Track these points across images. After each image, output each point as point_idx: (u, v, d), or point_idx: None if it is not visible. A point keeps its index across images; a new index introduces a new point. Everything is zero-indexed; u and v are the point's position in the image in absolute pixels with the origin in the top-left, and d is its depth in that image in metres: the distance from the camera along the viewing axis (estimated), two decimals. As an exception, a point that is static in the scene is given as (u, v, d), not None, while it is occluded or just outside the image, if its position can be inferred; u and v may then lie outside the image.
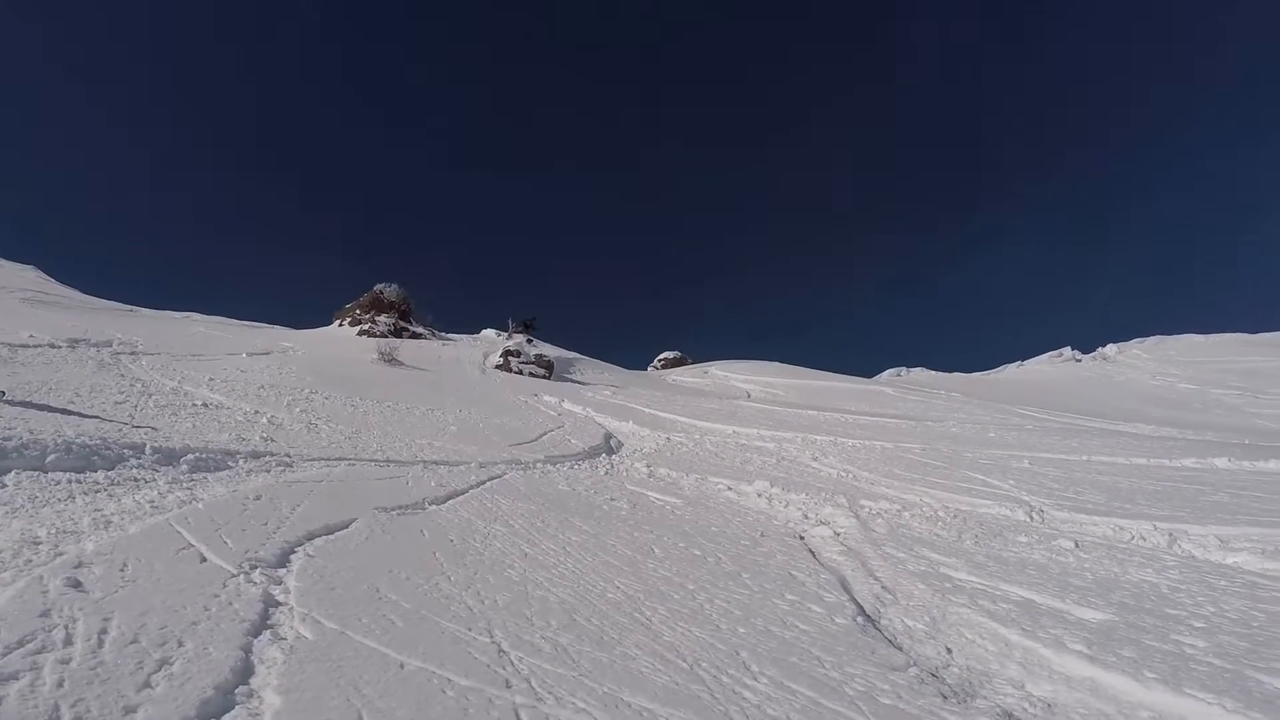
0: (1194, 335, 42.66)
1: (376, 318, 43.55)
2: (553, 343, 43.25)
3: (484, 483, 9.92)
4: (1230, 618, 5.99)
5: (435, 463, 10.96)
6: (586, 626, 4.87)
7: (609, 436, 17.40)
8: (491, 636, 4.42)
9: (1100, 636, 5.46)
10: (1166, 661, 4.99)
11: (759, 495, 10.86)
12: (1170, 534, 8.61)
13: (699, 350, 58.61)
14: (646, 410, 22.45)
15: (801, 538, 8.60)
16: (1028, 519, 9.56)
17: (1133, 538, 8.65)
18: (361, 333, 41.06)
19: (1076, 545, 8.24)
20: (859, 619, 5.78)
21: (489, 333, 46.84)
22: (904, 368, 48.35)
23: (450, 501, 8.47)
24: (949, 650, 5.34)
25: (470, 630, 4.47)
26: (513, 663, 4.06)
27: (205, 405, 13.27)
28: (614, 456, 14.57)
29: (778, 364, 40.36)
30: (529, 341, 39.73)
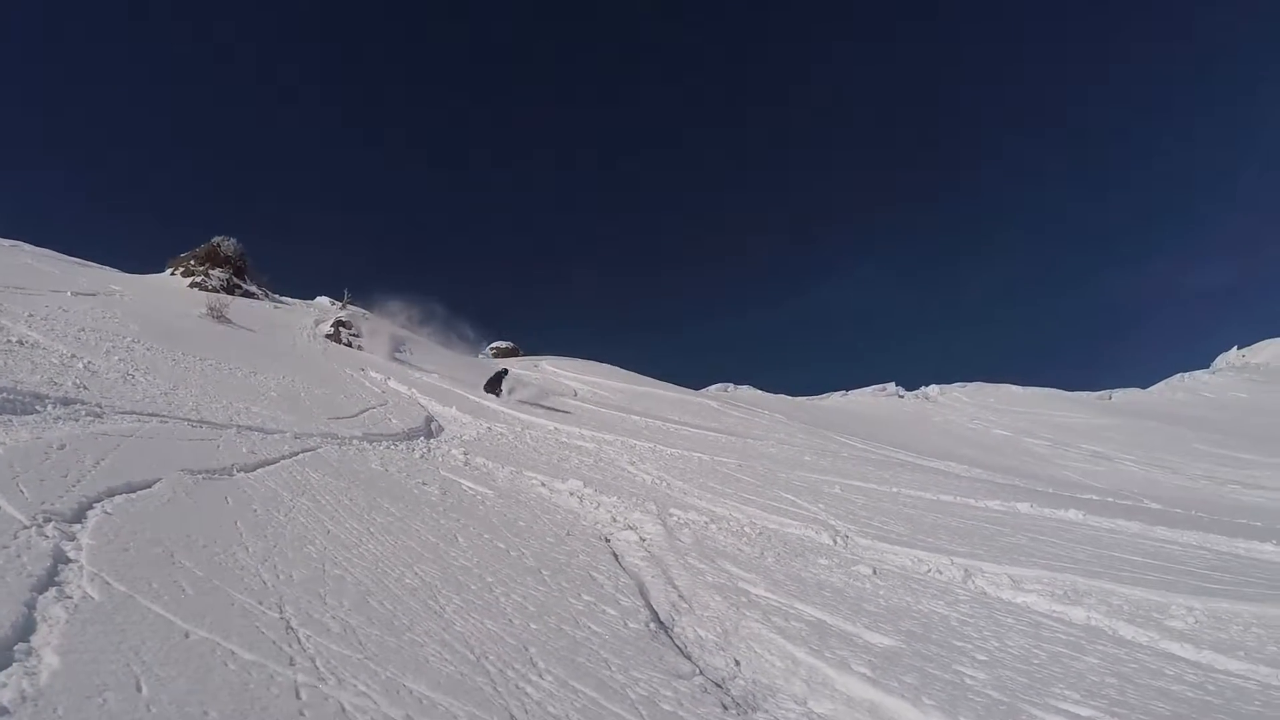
0: (1013, 385, 45.19)
1: (210, 271, 41.68)
2: (385, 318, 42.34)
3: (297, 454, 9.60)
4: (1013, 653, 6.30)
5: (250, 428, 10.52)
6: (379, 610, 4.81)
7: (430, 420, 17.12)
8: (282, 612, 4.33)
9: (885, 661, 5.66)
10: (946, 690, 5.21)
11: (571, 494, 10.84)
12: (966, 570, 9.01)
13: (534, 343, 58.47)
14: (471, 397, 22.22)
15: (607, 540, 8.63)
16: (831, 543, 9.84)
17: (930, 570, 9.01)
18: (193, 285, 39.26)
19: (874, 572, 8.53)
20: (652, 625, 5.83)
21: (323, 300, 45.55)
22: (731, 384, 49.49)
23: (259, 470, 8.17)
24: (737, 663, 5.45)
25: (261, 604, 4.37)
26: (300, 640, 3.99)
27: (20, 343, 12.53)
28: (433, 440, 14.32)
29: (609, 366, 40.64)
30: (364, 316, 38.82)
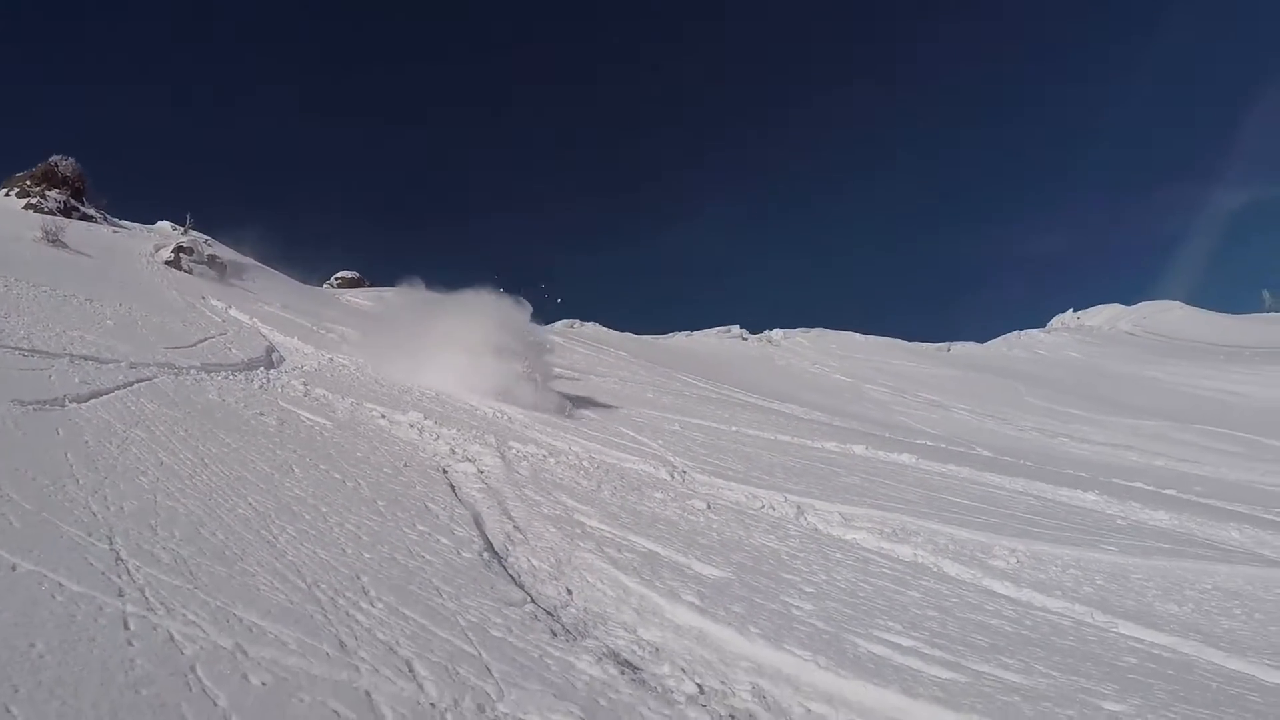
0: (855, 333, 46.67)
1: (47, 192, 39.47)
2: (228, 244, 40.74)
3: (132, 384, 9.29)
4: (840, 587, 6.60)
5: (84, 358, 10.10)
6: (211, 540, 4.77)
7: (271, 350, 16.65)
8: (111, 544, 4.29)
9: (715, 592, 5.85)
10: (772, 620, 5.42)
11: (411, 426, 10.74)
12: (799, 507, 9.36)
13: (384, 275, 57.15)
14: (314, 328, 21.70)
15: (445, 472, 8.61)
16: (669, 478, 10.06)
17: (764, 506, 9.32)
18: (28, 207, 37.22)
19: (709, 507, 8.76)
20: (485, 555, 5.87)
21: (164, 225, 43.41)
22: (578, 320, 49.59)
23: (93, 401, 7.92)
24: (569, 591, 5.54)
25: (90, 536, 4.33)
26: (129, 571, 3.97)
27: None
28: (273, 371, 13.93)
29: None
30: (206, 242, 37.28)
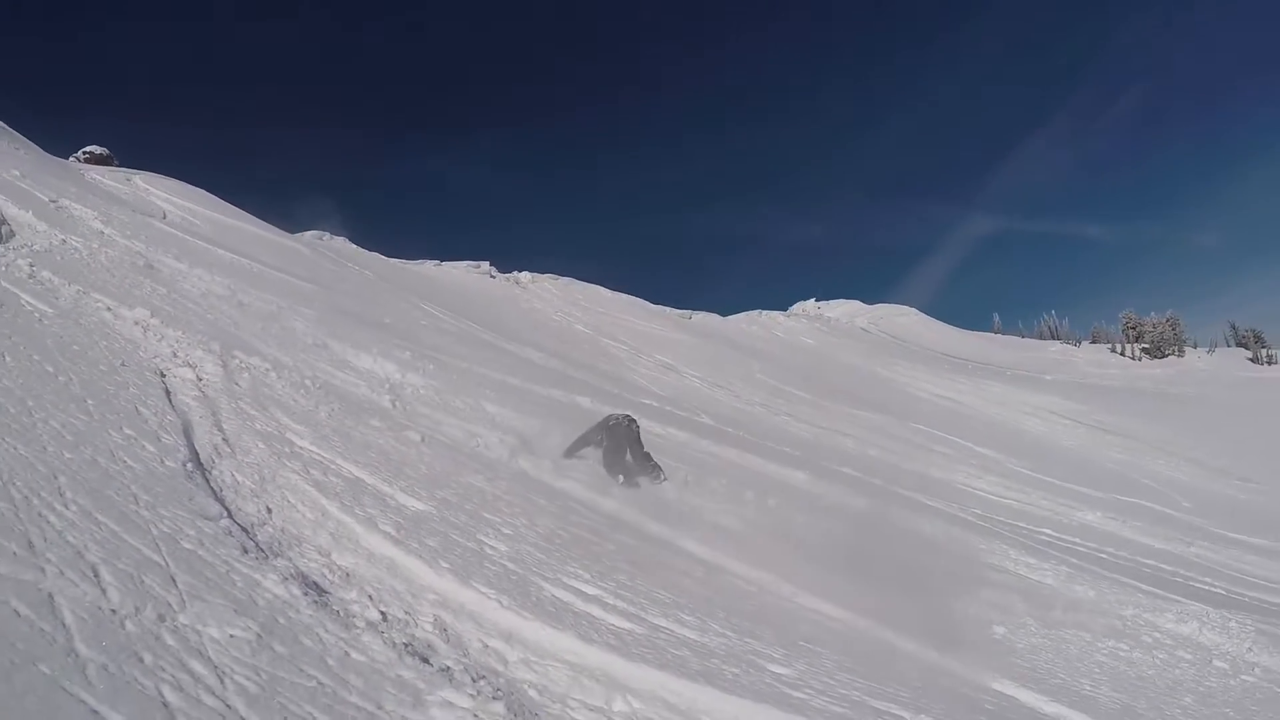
0: (602, 288, 47.29)
1: None
2: None
3: None
4: (538, 532, 6.93)
5: None
6: None
7: (2, 223, 15.29)
8: None
9: (413, 524, 6.04)
10: (465, 557, 5.67)
11: (136, 323, 10.21)
12: (513, 449, 9.66)
13: (138, 159, 53.22)
14: (52, 204, 20.04)
15: (163, 375, 8.30)
16: (390, 406, 10.09)
17: (479, 445, 9.57)
18: None
19: (423, 440, 8.90)
20: (189, 465, 5.79)
21: None
22: (328, 233, 47.87)
23: None
24: (269, 510, 5.56)
25: None
26: None
27: None
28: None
29: (205, 192, 37.81)
30: None
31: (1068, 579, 10.28)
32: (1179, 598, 10.80)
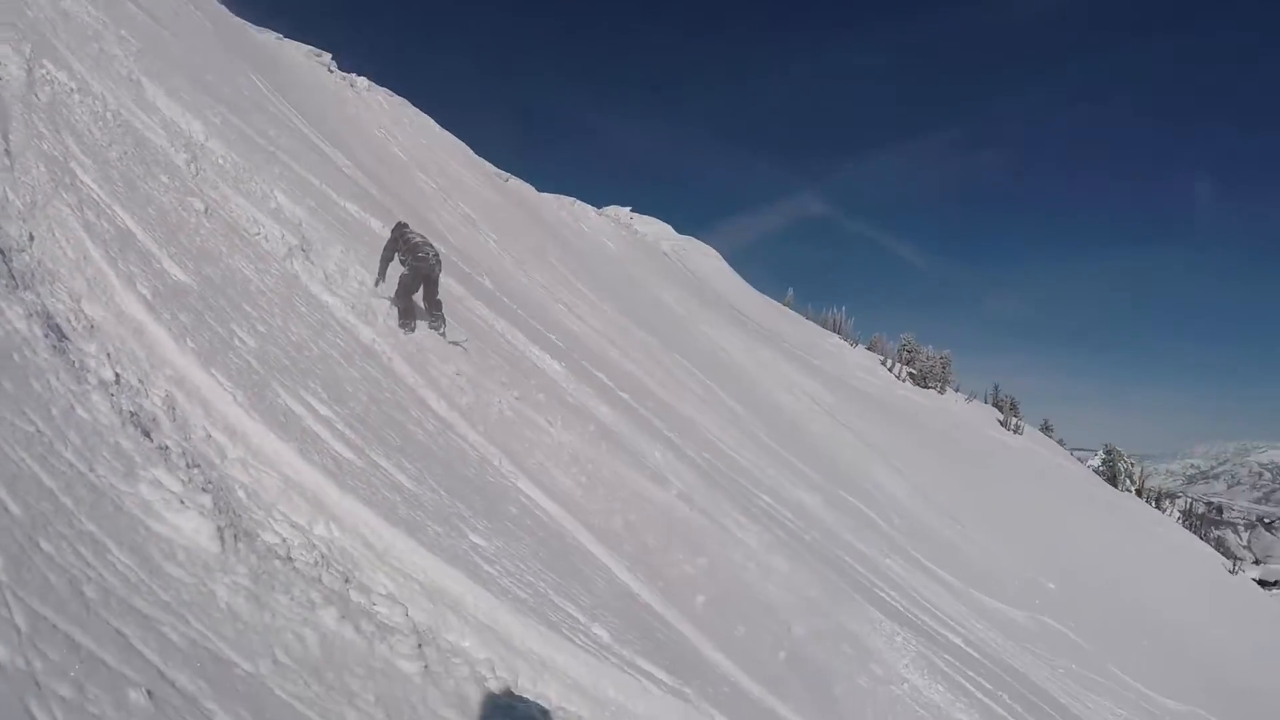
0: (435, 122, 45.38)
1: None
2: None
3: None
4: (291, 339, 7.00)
5: None
6: None
7: None
8: None
9: (172, 294, 6.05)
10: (212, 342, 5.75)
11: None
12: (291, 249, 9.47)
13: None
14: None
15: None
16: (183, 166, 9.57)
17: (261, 234, 9.34)
18: None
19: (206, 211, 8.62)
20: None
21: None
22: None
23: None
24: (30, 237, 5.41)
25: None
26: None
27: None
28: None
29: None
30: None
31: (769, 547, 10.72)
32: (860, 599, 11.43)
